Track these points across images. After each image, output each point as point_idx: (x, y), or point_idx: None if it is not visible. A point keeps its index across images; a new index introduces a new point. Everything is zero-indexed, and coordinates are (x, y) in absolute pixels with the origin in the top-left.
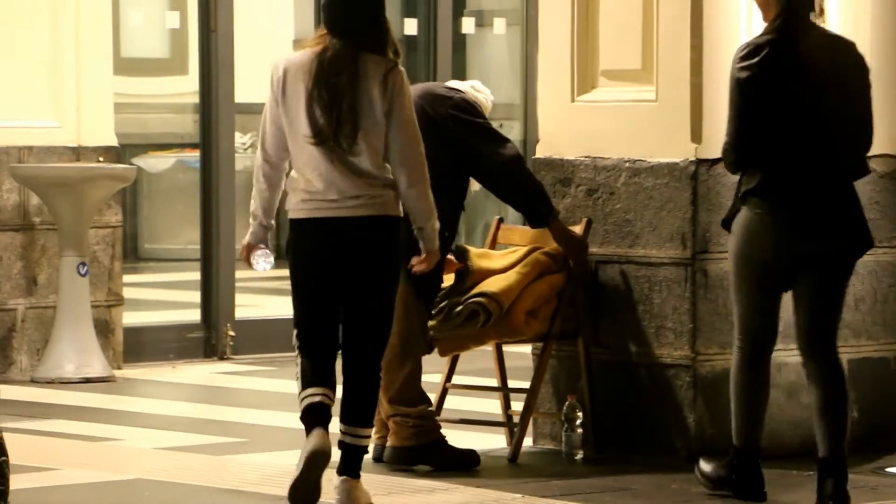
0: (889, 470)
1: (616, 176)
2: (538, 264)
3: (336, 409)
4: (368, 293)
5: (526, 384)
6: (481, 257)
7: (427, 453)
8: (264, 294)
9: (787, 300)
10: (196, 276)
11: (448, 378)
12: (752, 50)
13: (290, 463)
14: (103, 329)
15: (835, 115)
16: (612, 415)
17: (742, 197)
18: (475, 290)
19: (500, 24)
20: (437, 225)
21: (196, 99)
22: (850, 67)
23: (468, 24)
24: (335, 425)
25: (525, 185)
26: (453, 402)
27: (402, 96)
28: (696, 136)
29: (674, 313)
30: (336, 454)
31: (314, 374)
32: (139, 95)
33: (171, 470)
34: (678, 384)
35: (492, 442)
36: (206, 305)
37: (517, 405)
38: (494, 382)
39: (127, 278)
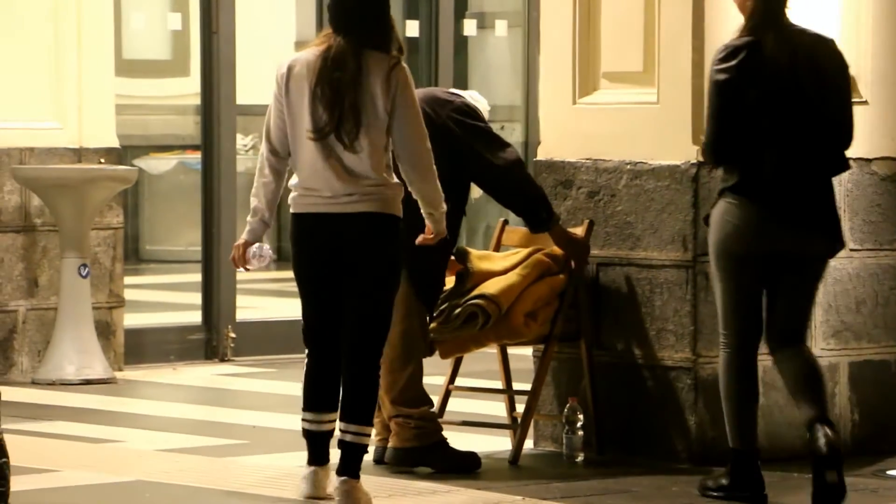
0: (890, 472)
1: (617, 178)
2: (539, 266)
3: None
4: (364, 291)
5: (527, 386)
6: (482, 259)
7: (428, 455)
8: (265, 296)
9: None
10: (197, 277)
11: (451, 380)
12: (729, 52)
13: (290, 465)
14: (104, 330)
15: (813, 113)
16: (613, 417)
17: (720, 193)
18: (475, 292)
19: (501, 27)
20: (445, 208)
21: (197, 100)
22: (828, 65)
23: (470, 27)
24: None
25: (525, 190)
26: (456, 405)
27: (405, 92)
28: (698, 138)
29: (675, 315)
30: (335, 455)
31: (312, 391)
32: (141, 97)
33: (172, 472)
34: (679, 386)
35: (493, 444)
36: (207, 307)
37: (519, 407)
38: (498, 384)
39: (128, 280)
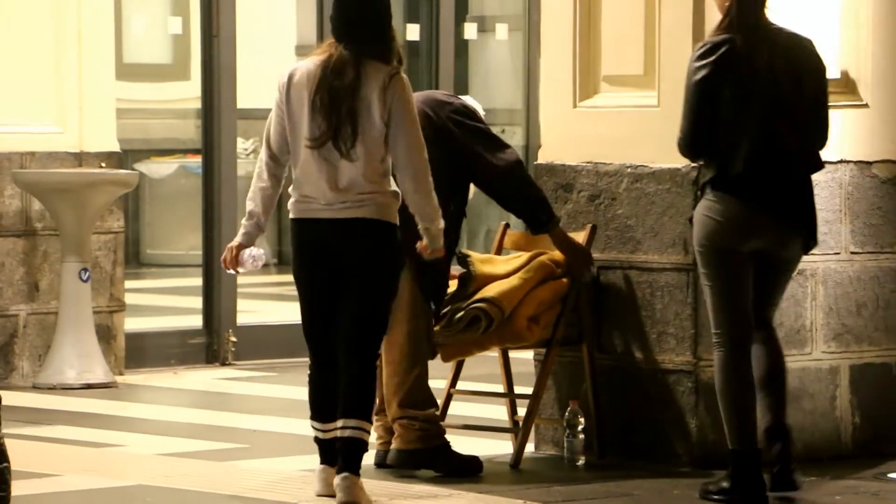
0: (891, 475)
1: (618, 181)
2: (541, 269)
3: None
4: (359, 294)
5: (528, 390)
6: (484, 263)
7: (431, 458)
8: (266, 300)
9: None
10: (198, 281)
11: (453, 384)
12: (708, 49)
13: (291, 468)
14: (105, 335)
15: (789, 111)
16: (614, 420)
17: (701, 190)
18: (477, 296)
19: (502, 30)
20: (442, 224)
21: (198, 104)
22: (805, 66)
23: (470, 30)
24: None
25: (525, 192)
26: (457, 408)
27: (403, 103)
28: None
29: (676, 319)
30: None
31: (317, 401)
32: (141, 101)
33: (173, 476)
34: (680, 390)
35: (494, 448)
36: (208, 311)
37: (521, 411)
38: (499, 388)
39: (129, 284)
